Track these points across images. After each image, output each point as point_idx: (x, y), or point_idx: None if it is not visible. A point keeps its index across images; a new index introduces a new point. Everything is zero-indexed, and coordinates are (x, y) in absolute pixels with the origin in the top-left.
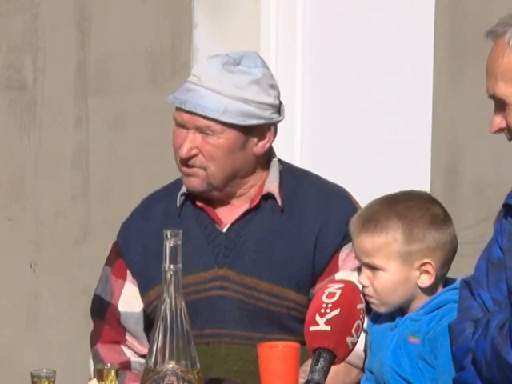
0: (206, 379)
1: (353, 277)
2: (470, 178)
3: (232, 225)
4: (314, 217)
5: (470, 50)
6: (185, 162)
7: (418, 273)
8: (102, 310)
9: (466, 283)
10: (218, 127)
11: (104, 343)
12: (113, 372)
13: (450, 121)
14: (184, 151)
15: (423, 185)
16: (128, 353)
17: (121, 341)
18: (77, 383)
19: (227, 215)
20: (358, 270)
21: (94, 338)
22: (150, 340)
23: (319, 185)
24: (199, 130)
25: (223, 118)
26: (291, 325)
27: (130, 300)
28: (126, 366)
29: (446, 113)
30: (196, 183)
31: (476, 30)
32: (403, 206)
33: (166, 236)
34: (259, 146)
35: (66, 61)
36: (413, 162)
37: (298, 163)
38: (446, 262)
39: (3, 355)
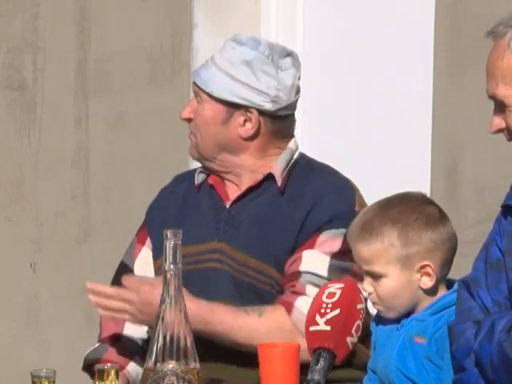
0: (206, 379)
1: (318, 260)
2: (470, 178)
3: (234, 202)
4: (309, 201)
5: (470, 50)
6: (189, 128)
7: (418, 275)
8: (123, 275)
9: (465, 284)
10: (204, 96)
11: None
12: (113, 372)
13: (450, 121)
14: (183, 112)
15: (423, 185)
16: (128, 327)
17: None
18: (77, 383)
19: (233, 193)
20: (334, 256)
21: None
22: (150, 340)
23: (332, 176)
24: (196, 96)
25: (205, 87)
26: (273, 303)
27: (144, 264)
28: (116, 338)
29: (446, 113)
30: (191, 150)
31: (476, 30)
32: (397, 211)
33: (166, 236)
34: (244, 129)
35: (66, 61)
36: (413, 162)
37: None
38: (447, 262)
39: (3, 355)
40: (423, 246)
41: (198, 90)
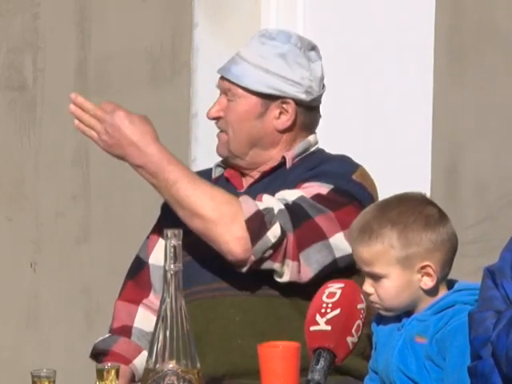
0: (206, 378)
1: (293, 192)
2: (470, 177)
3: (248, 187)
4: (311, 168)
5: (470, 50)
6: (217, 125)
7: (419, 276)
8: (136, 267)
9: (490, 272)
10: (238, 91)
11: (123, 300)
12: (113, 372)
13: (450, 121)
14: (211, 111)
15: (423, 185)
16: (140, 317)
17: (141, 298)
18: (77, 383)
19: (247, 181)
20: (314, 197)
21: (118, 295)
22: (150, 339)
23: (329, 153)
24: (226, 93)
25: (239, 81)
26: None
27: (160, 254)
28: (126, 330)
29: (446, 113)
30: (220, 148)
31: (476, 30)
32: (396, 212)
33: (167, 236)
34: (280, 121)
35: (66, 61)
36: (413, 162)
37: None
38: (447, 261)
39: (3, 355)
40: (423, 246)
41: (231, 86)
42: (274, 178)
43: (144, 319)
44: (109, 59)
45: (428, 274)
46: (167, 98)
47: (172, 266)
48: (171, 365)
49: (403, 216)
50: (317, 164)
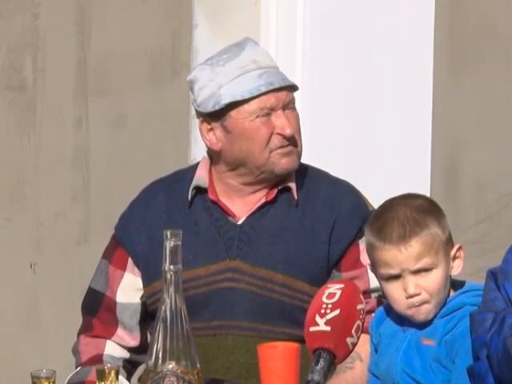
0: (206, 379)
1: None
2: (470, 177)
3: (248, 217)
4: (326, 211)
5: (470, 49)
6: (288, 142)
7: (452, 262)
8: (96, 303)
9: (493, 274)
10: (294, 98)
11: (90, 337)
12: (113, 372)
13: (450, 120)
14: (291, 130)
15: (423, 185)
16: (109, 348)
17: (109, 335)
18: None
19: (240, 208)
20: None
21: (81, 331)
22: (150, 340)
23: (327, 180)
24: (285, 106)
25: (296, 86)
26: (302, 318)
27: (128, 291)
28: (97, 359)
29: (446, 112)
30: (294, 161)
31: (476, 30)
32: (420, 203)
33: (166, 236)
34: None
35: (66, 61)
36: (413, 162)
37: None
38: None
39: (3, 355)
40: (449, 230)
41: (293, 95)
42: (282, 213)
43: (114, 348)
44: (109, 59)
45: (459, 257)
46: (167, 97)
47: (172, 267)
48: (171, 365)
49: (429, 204)
50: (324, 199)
